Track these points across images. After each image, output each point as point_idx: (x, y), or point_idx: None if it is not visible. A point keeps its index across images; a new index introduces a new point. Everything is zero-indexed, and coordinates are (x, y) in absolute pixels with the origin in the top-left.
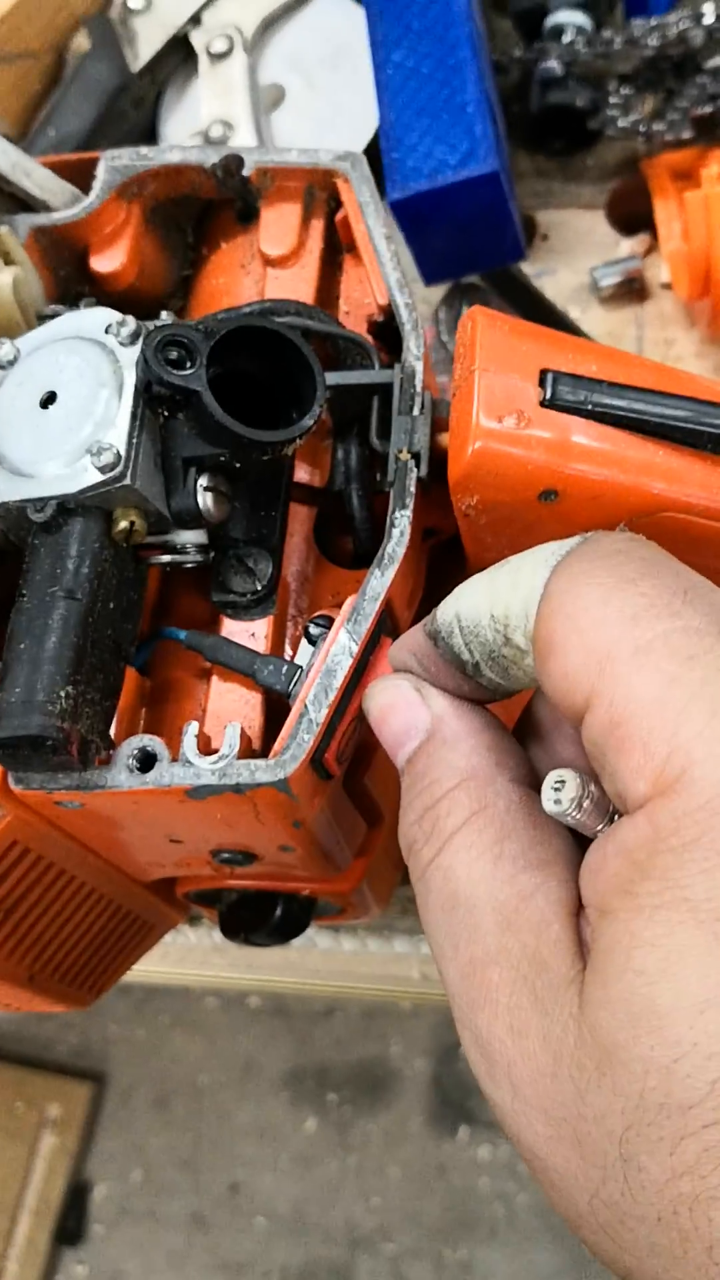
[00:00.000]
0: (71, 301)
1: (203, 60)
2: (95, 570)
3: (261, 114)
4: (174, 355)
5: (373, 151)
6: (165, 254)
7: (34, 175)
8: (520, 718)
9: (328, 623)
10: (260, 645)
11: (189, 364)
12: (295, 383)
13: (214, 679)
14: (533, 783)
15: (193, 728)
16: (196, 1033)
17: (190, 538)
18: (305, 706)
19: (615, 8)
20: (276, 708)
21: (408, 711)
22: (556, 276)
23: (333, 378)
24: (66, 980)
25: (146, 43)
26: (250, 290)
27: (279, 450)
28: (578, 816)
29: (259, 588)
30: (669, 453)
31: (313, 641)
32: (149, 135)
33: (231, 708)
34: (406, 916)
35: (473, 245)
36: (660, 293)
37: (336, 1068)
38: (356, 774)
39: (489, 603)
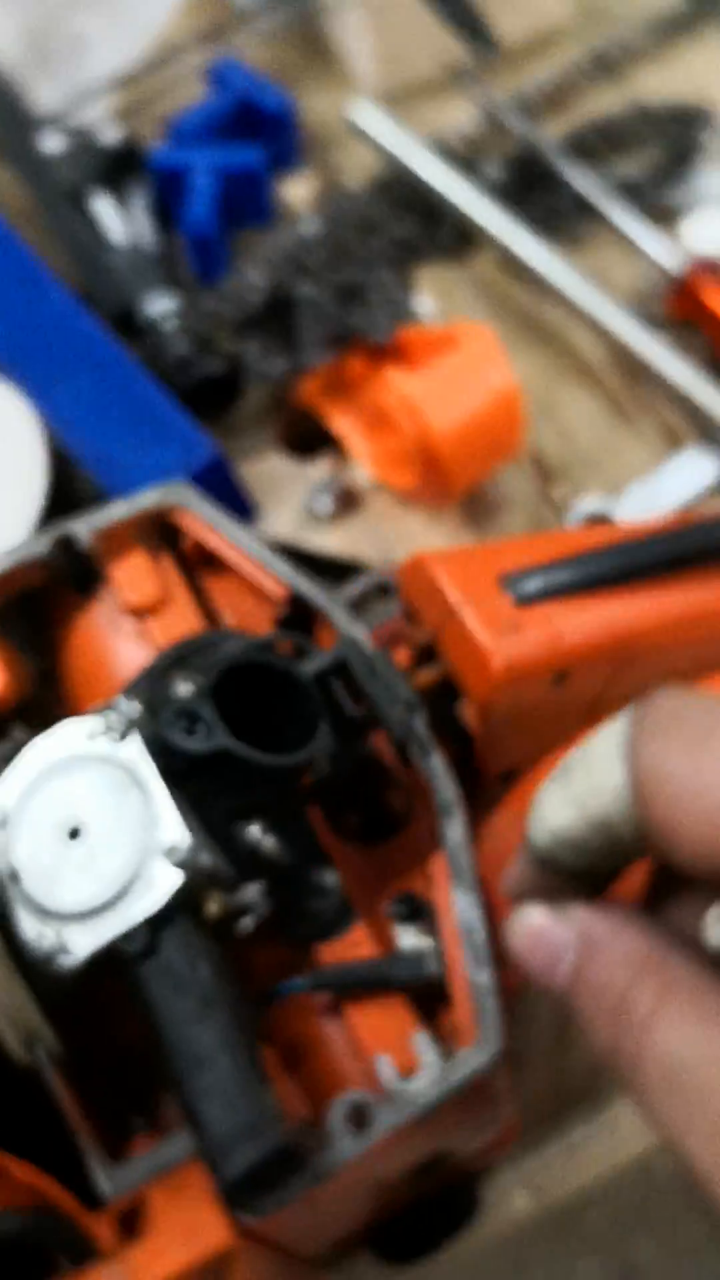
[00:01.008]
0: None
1: None
2: (213, 966)
3: None
4: (182, 724)
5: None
6: (22, 656)
7: None
8: (647, 888)
9: (409, 899)
10: (367, 950)
11: (195, 728)
12: (288, 705)
13: (344, 1010)
14: (688, 940)
15: (385, 1059)
16: None
17: (256, 888)
18: (469, 976)
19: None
20: (421, 1002)
21: (552, 934)
22: (274, 518)
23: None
24: None
25: None
26: (134, 647)
27: (307, 770)
28: None
29: (337, 898)
30: (625, 593)
31: (409, 918)
32: None
33: (383, 1025)
34: None
35: None
36: (372, 492)
37: None
38: None
39: (579, 812)
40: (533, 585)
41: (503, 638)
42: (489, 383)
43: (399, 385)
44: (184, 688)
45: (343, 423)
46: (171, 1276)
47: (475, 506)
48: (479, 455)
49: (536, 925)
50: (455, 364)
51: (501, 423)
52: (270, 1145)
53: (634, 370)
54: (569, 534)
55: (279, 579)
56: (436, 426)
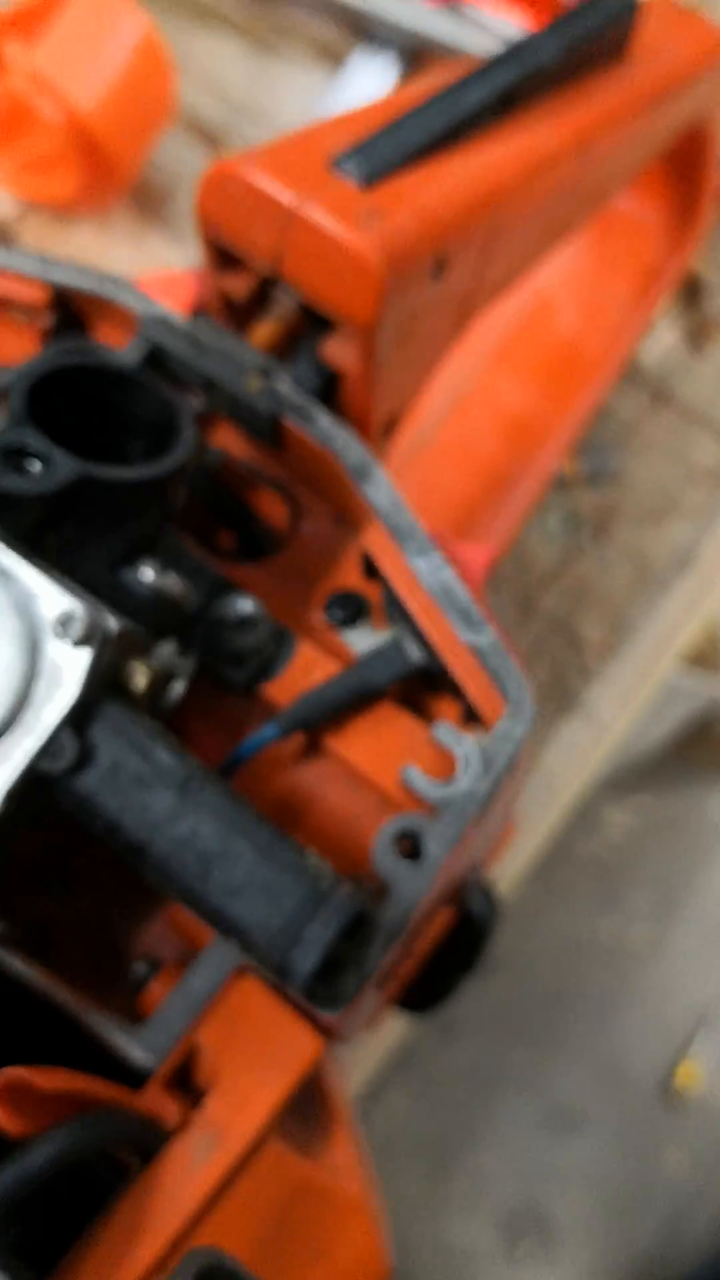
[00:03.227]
0: None
1: None
2: (170, 745)
3: None
4: (9, 465)
5: None
6: None
7: None
8: None
9: (344, 599)
10: (323, 671)
11: (25, 464)
12: (120, 417)
13: (325, 746)
14: None
15: (413, 769)
16: None
17: (170, 646)
18: (469, 641)
19: None
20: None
21: None
22: None
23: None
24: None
25: None
26: None
27: (180, 480)
28: None
29: (266, 625)
30: (473, 147)
31: (352, 620)
32: None
33: (380, 742)
34: None
35: None
36: (20, 219)
37: None
38: None
39: None
40: (375, 158)
41: (367, 226)
42: (123, 34)
43: (23, 62)
44: None
45: None
46: (270, 1117)
47: (145, 197)
48: (136, 126)
49: None
50: (78, 19)
51: (149, 78)
52: (346, 913)
53: None
54: (384, 101)
55: (31, 278)
56: (83, 101)
